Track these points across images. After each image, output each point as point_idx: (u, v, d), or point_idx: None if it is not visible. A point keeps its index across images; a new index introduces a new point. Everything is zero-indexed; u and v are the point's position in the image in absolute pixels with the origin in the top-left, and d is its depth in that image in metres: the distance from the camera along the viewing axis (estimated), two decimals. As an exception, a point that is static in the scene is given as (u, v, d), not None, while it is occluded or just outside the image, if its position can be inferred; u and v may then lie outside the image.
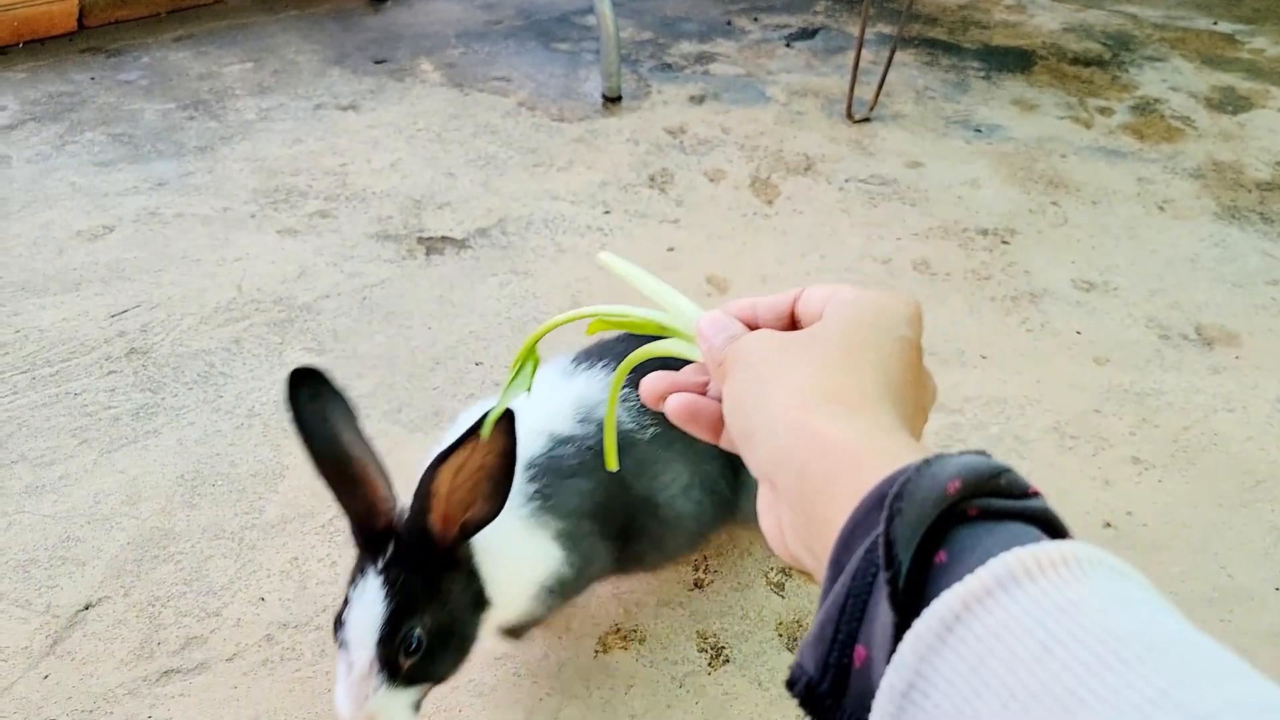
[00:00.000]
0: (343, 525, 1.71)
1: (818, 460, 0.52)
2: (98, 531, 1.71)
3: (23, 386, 2.00)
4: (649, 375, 0.73)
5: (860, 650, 0.44)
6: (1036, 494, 0.47)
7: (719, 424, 0.70)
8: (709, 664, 1.54)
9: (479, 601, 1.26)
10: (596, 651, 1.56)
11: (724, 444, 0.70)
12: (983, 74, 3.44)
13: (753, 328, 0.68)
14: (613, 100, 3.10)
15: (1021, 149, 2.97)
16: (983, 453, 0.48)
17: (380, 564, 1.16)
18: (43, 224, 2.48)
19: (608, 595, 1.62)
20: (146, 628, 1.56)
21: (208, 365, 2.07)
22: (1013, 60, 3.55)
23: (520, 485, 1.31)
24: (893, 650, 0.41)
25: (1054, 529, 0.46)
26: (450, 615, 1.20)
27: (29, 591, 1.61)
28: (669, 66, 3.41)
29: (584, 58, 3.45)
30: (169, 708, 1.45)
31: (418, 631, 1.15)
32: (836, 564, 0.46)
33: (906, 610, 0.42)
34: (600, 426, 1.37)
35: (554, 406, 1.40)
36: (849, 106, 3.05)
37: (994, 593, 0.39)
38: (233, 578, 1.63)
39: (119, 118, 2.96)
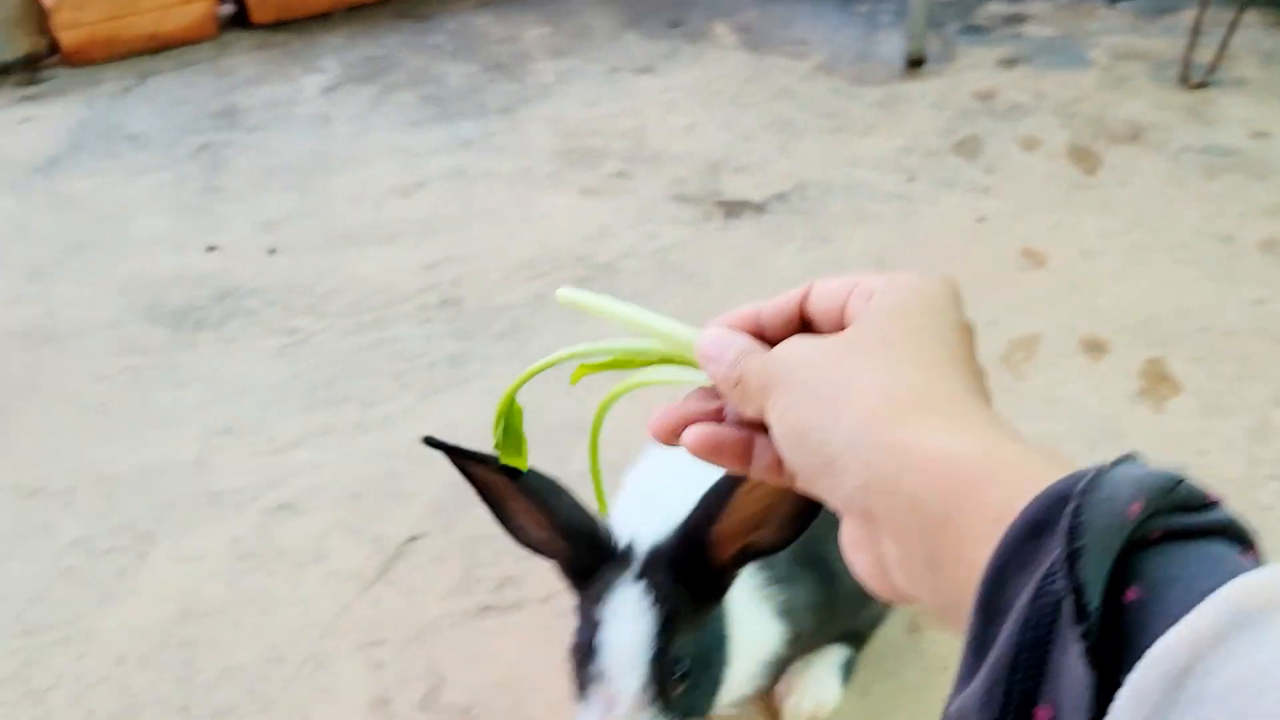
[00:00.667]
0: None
1: (932, 486, 0.45)
2: (419, 470, 1.79)
3: (349, 330, 2.13)
4: (656, 412, 0.64)
5: (1044, 712, 0.37)
6: (1216, 502, 0.40)
7: (746, 453, 0.62)
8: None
9: (726, 646, 1.10)
10: (909, 630, 1.49)
11: (760, 475, 0.61)
12: (1333, 33, 3.07)
13: (761, 338, 0.62)
14: (916, 63, 2.97)
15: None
16: (1133, 456, 0.41)
17: (635, 575, 1.02)
18: (362, 180, 2.64)
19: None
20: (466, 564, 1.61)
21: (514, 319, 2.13)
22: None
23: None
24: (1098, 713, 0.35)
25: (1243, 542, 0.39)
26: (708, 638, 1.06)
27: (360, 521, 1.70)
28: (976, 28, 3.23)
29: (881, 20, 3.32)
30: (488, 642, 1.50)
31: (687, 644, 1.01)
32: (987, 607, 0.40)
33: (1101, 662, 0.35)
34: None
35: None
36: (1184, 70, 2.78)
37: (1228, 637, 0.33)
38: (544, 523, 1.67)
39: (427, 80, 3.11)
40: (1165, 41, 3.03)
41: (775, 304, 0.63)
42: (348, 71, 3.19)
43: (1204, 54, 2.82)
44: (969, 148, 2.59)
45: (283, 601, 1.58)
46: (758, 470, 0.62)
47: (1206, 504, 0.39)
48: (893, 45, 3.11)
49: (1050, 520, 0.39)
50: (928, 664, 1.43)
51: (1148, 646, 0.34)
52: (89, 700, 1.46)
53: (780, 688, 1.38)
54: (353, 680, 1.46)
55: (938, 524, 0.45)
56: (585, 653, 1.01)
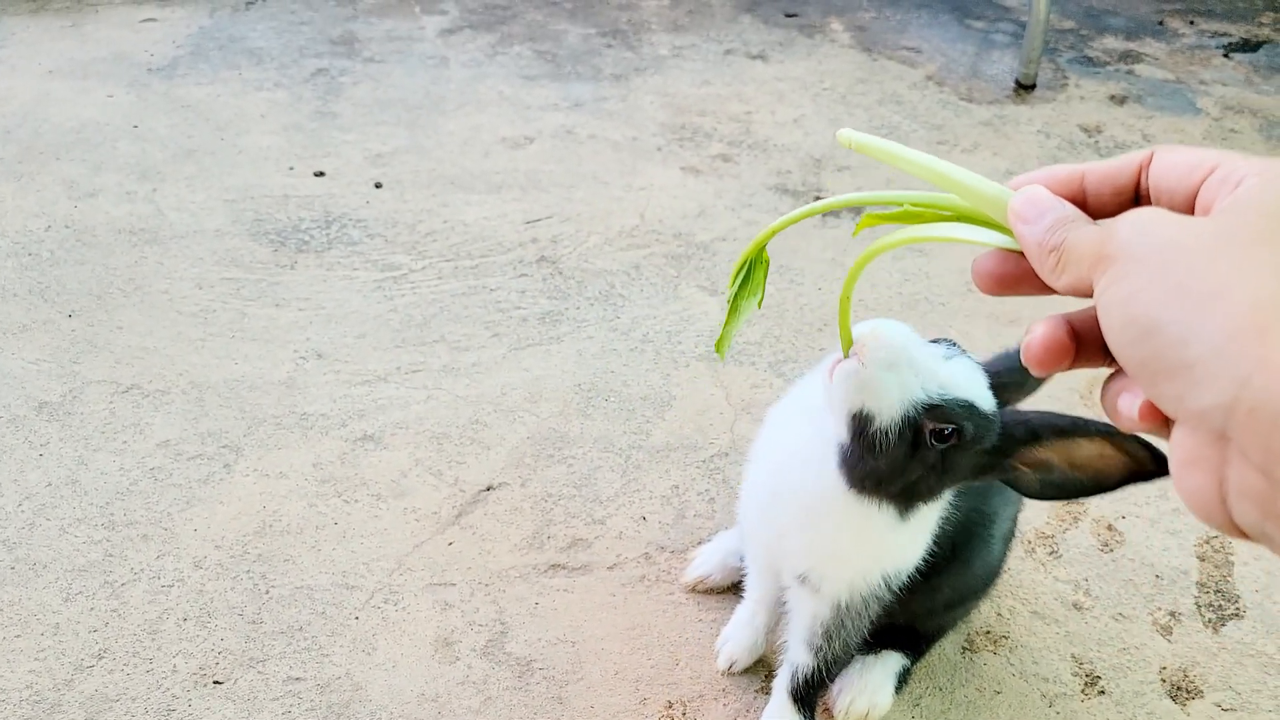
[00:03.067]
0: (722, 465, 1.75)
1: None
2: (502, 421, 1.83)
3: (447, 274, 2.17)
4: (979, 259, 0.59)
5: None
6: None
7: (1096, 348, 0.55)
8: (1082, 690, 1.46)
9: (915, 506, 1.11)
10: (964, 649, 1.51)
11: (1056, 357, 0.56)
12: None
13: (1081, 206, 0.56)
14: (1026, 87, 2.94)
15: None
16: None
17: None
18: (473, 126, 2.67)
19: (982, 598, 1.56)
20: (539, 520, 1.65)
21: (608, 285, 2.16)
22: None
23: None
24: None
25: None
26: (944, 472, 1.05)
27: (441, 463, 1.75)
28: (1089, 60, 3.19)
29: (997, 38, 3.29)
30: (554, 599, 1.54)
31: (967, 436, 1.00)
32: None
33: None
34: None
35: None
36: (1302, 130, 2.74)
37: None
38: (618, 491, 1.70)
39: (545, 35, 3.13)
40: (1278, 100, 2.99)
41: (1105, 167, 0.56)
42: (468, 16, 3.21)
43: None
44: (1079, 179, 2.57)
45: (359, 531, 1.63)
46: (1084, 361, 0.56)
47: None
48: (1005, 65, 3.08)
49: None
50: (981, 684, 1.45)
51: None
52: (164, 599, 1.52)
53: (834, 689, 1.41)
54: (420, 617, 1.51)
55: None
56: (952, 344, 1.04)
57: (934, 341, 1.03)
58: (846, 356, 0.73)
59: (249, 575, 1.55)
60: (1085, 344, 0.56)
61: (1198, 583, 1.60)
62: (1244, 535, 0.45)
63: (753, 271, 0.74)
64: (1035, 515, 1.69)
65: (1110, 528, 1.68)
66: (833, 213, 2.38)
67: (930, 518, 1.16)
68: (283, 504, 1.67)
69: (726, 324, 0.77)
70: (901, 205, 0.61)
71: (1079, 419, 1.00)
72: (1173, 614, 1.56)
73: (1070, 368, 0.58)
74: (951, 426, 0.99)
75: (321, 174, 2.46)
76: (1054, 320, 0.57)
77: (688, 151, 2.61)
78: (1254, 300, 0.43)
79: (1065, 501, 1.72)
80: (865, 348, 0.96)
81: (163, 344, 1.97)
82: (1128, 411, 0.52)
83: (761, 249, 0.72)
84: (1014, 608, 1.56)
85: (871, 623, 1.24)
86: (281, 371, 1.92)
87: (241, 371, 1.91)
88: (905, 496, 1.08)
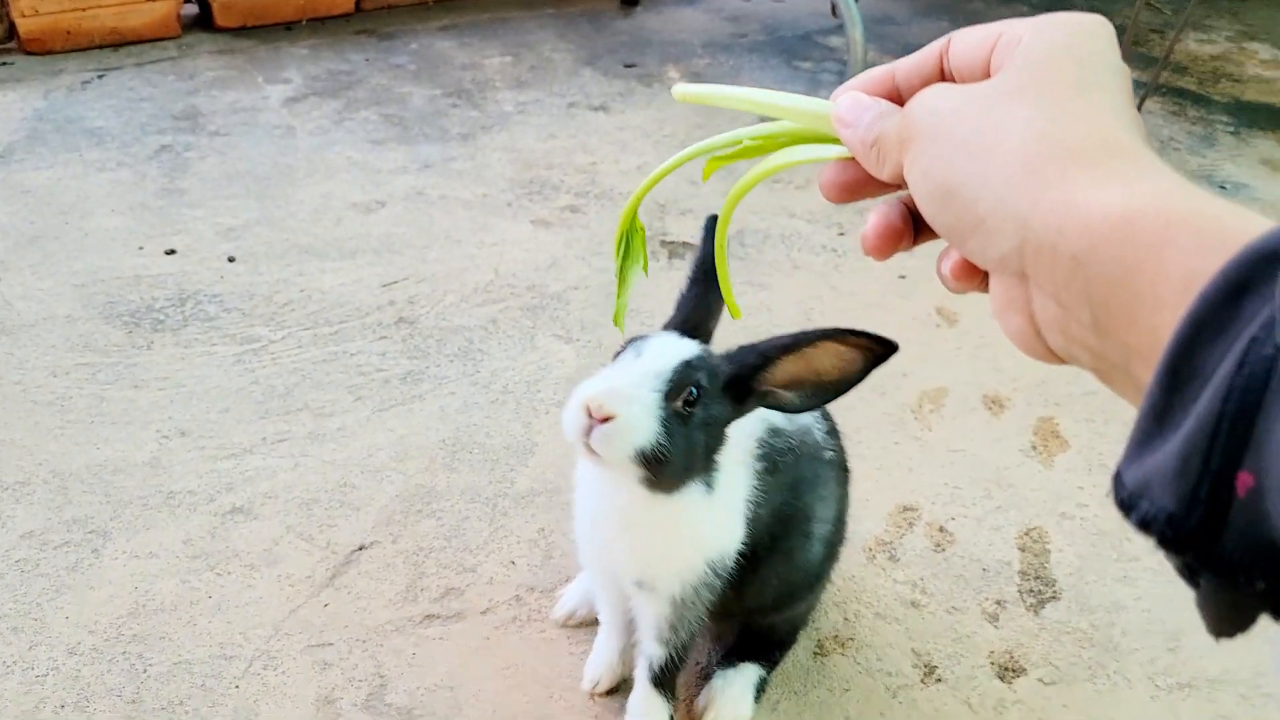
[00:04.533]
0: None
1: (1100, 247, 0.42)
2: (370, 481, 1.89)
3: (306, 342, 2.22)
4: (823, 174, 0.65)
5: (1246, 477, 0.35)
6: None
7: (907, 229, 0.59)
8: (921, 680, 1.60)
9: (712, 465, 1.25)
10: (815, 654, 1.64)
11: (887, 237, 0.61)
12: (1231, 129, 3.34)
13: (896, 101, 0.59)
14: (851, 122, 3.15)
15: (1267, 211, 2.87)
16: None
17: (699, 342, 1.23)
18: (324, 193, 2.73)
19: (829, 603, 1.69)
20: (412, 574, 1.72)
21: (467, 341, 2.24)
22: (1264, 117, 3.43)
23: (751, 459, 1.33)
24: None
25: None
26: (709, 430, 1.20)
27: (312, 528, 1.80)
28: (908, 93, 3.43)
29: (824, 78, 3.52)
30: (431, 648, 1.61)
31: (706, 391, 1.17)
32: (1173, 373, 0.38)
33: None
34: (800, 429, 1.41)
35: None
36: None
37: None
38: (487, 539, 1.79)
39: (390, 99, 3.21)
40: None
41: (911, 60, 0.59)
42: (311, 84, 3.27)
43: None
44: (899, 208, 2.77)
45: (234, 602, 1.67)
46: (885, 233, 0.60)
47: None
48: (835, 102, 3.29)
49: (1252, 281, 0.36)
50: (831, 684, 1.58)
51: None
52: (40, 689, 1.53)
53: (699, 702, 1.52)
54: (301, 679, 1.56)
55: (1107, 288, 0.42)
56: (632, 341, 1.20)
57: (621, 350, 1.20)
58: (733, 312, 0.82)
59: (125, 656, 1.58)
60: (922, 224, 0.60)
61: (1019, 572, 1.77)
62: (1062, 360, 0.49)
63: (631, 242, 0.78)
64: (874, 524, 1.84)
65: (941, 529, 1.84)
66: (678, 256, 2.52)
67: (736, 500, 1.31)
68: (155, 583, 1.69)
69: (618, 296, 0.82)
70: (739, 142, 0.66)
71: (801, 332, 1.15)
72: (999, 602, 1.72)
73: (911, 248, 0.62)
74: (689, 388, 1.15)
75: (172, 252, 2.48)
76: (885, 206, 0.62)
77: (537, 205, 2.72)
78: (1022, 144, 0.46)
79: (899, 510, 1.87)
80: (593, 411, 1.12)
81: (19, 435, 1.97)
82: (945, 273, 0.57)
83: (633, 219, 0.76)
84: (859, 611, 1.70)
85: (709, 609, 1.36)
86: (145, 452, 1.94)
87: (104, 456, 1.93)
88: (705, 462, 1.23)
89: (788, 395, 1.19)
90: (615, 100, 3.27)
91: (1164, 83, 3.61)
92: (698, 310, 1.27)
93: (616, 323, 0.86)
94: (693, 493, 1.24)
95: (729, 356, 1.21)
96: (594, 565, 1.47)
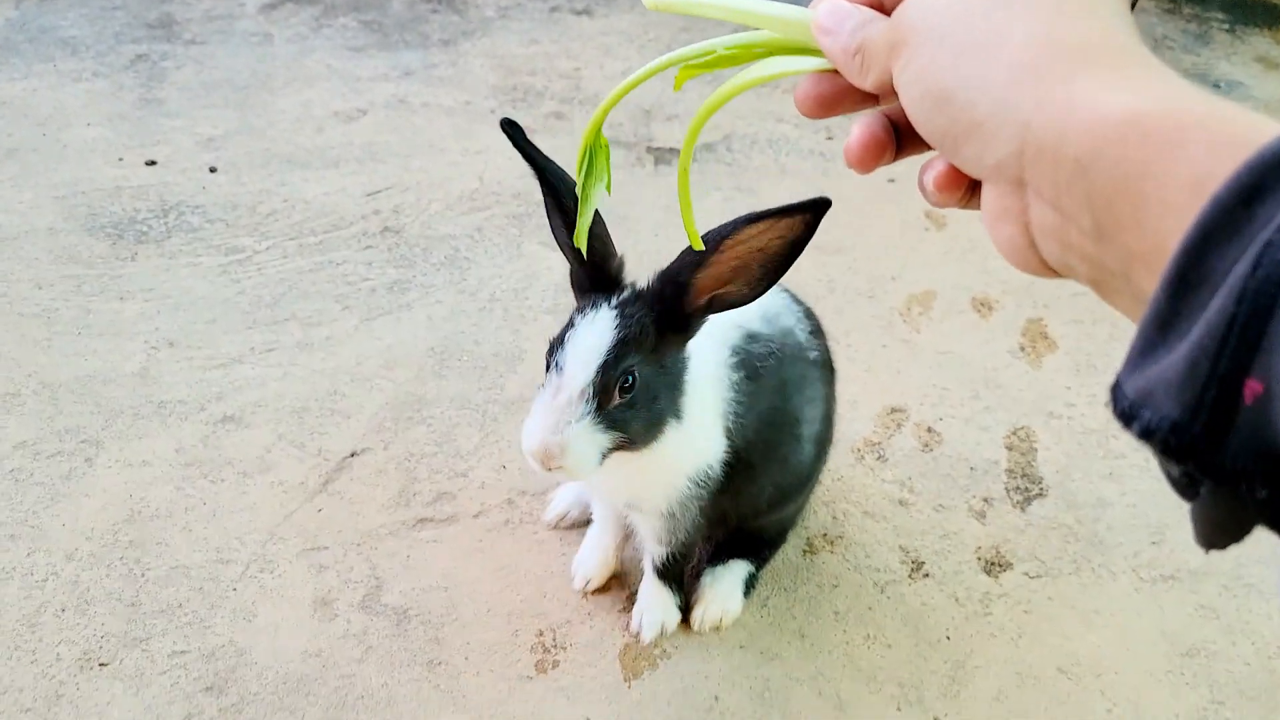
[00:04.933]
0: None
1: (1105, 149, 0.41)
2: (359, 389, 1.89)
3: (291, 252, 2.21)
4: (799, 87, 0.62)
5: (1254, 384, 0.35)
6: None
7: (915, 135, 0.56)
8: (909, 575, 1.63)
9: (677, 397, 1.23)
10: (804, 551, 1.66)
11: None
12: (1227, 26, 3.29)
13: (879, 8, 0.57)
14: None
15: (1261, 109, 2.84)
16: None
17: (615, 300, 1.16)
18: (304, 102, 2.68)
19: (818, 502, 1.72)
20: (404, 479, 1.74)
21: (453, 249, 2.23)
22: (1261, 14, 3.38)
23: (725, 370, 1.32)
24: None
25: None
26: (662, 377, 1.19)
27: (303, 435, 1.81)
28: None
29: (812, -21, 3.44)
30: (425, 551, 1.63)
31: (637, 369, 1.14)
32: (1180, 279, 0.37)
33: None
34: (782, 331, 1.40)
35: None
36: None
37: None
38: (478, 444, 1.80)
39: (369, 5, 3.14)
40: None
41: None
42: (287, -10, 3.19)
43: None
44: (888, 111, 2.74)
45: (229, 508, 1.68)
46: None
47: None
48: (824, 4, 3.23)
49: (1266, 185, 0.35)
50: (821, 580, 1.61)
51: None
52: (40, 594, 1.55)
53: (693, 600, 1.55)
54: (297, 581, 1.58)
55: (1111, 191, 0.41)
56: (554, 348, 1.16)
57: (547, 363, 1.18)
58: (694, 241, 0.78)
59: (122, 562, 1.60)
60: (906, 135, 0.59)
61: (1006, 470, 1.79)
62: (1055, 273, 0.49)
63: (595, 159, 0.75)
64: (863, 425, 1.86)
65: (930, 430, 1.86)
66: (664, 162, 2.49)
67: (709, 418, 1.30)
68: (149, 491, 1.70)
69: (580, 215, 0.79)
70: (713, 52, 0.63)
71: (723, 226, 1.07)
72: (986, 500, 1.74)
73: (895, 160, 0.61)
74: (619, 380, 1.14)
75: (153, 163, 2.45)
76: (869, 117, 0.60)
77: (520, 112, 2.68)
78: (1025, 45, 0.45)
79: (887, 411, 1.89)
80: (540, 466, 1.15)
81: (7, 347, 1.96)
82: (927, 185, 0.56)
83: (598, 134, 0.73)
84: (847, 510, 1.73)
85: (702, 511, 1.38)
86: (134, 363, 1.94)
87: (92, 367, 1.92)
88: (670, 408, 1.22)
89: (733, 291, 1.14)
90: (599, 4, 3.21)
91: (1158, -18, 3.55)
92: (592, 250, 1.17)
93: (578, 242, 0.85)
94: (664, 432, 1.24)
95: (648, 296, 1.16)
96: (583, 486, 1.49)
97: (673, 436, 1.25)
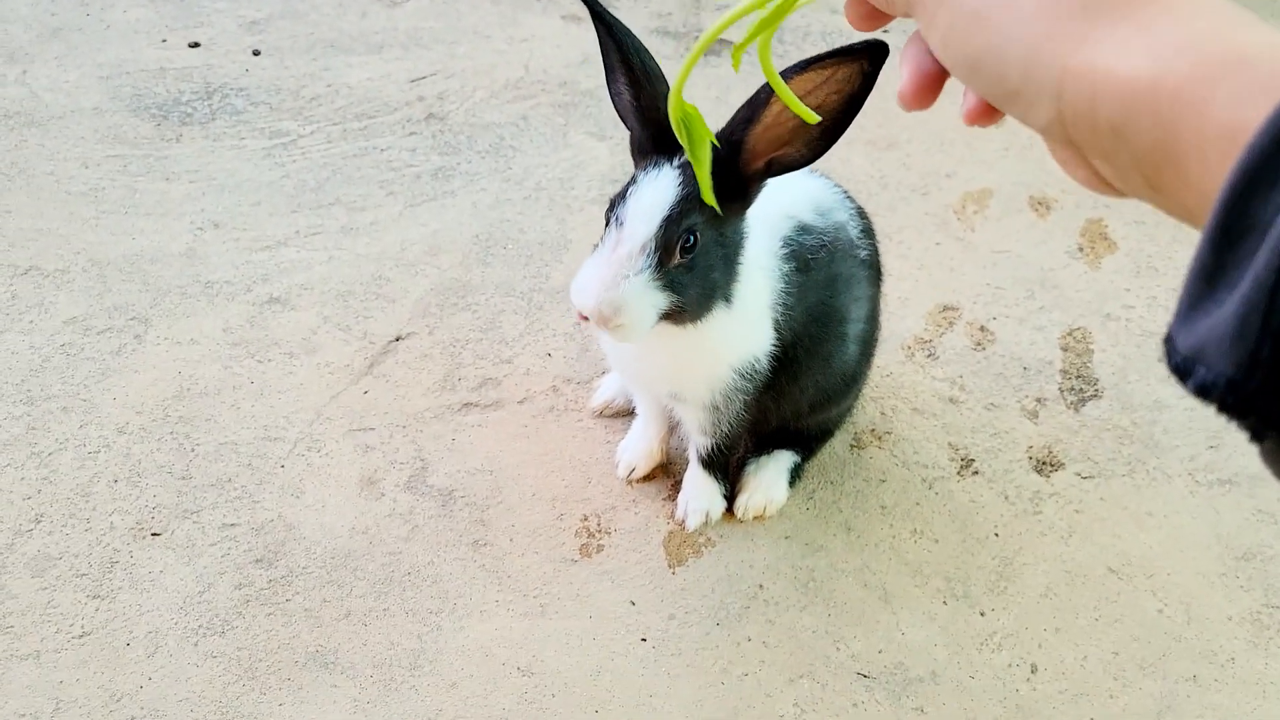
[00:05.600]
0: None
1: (1135, 114, 0.40)
2: (404, 275, 1.88)
3: (335, 137, 2.17)
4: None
5: None
6: None
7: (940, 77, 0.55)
8: (958, 472, 1.61)
9: (732, 276, 1.21)
10: (852, 446, 1.65)
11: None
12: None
13: None
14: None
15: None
16: None
17: (678, 160, 1.12)
18: (348, -15, 2.62)
19: (866, 398, 1.69)
20: (449, 364, 1.73)
21: (498, 137, 2.19)
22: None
23: (776, 260, 1.29)
24: None
25: None
26: (720, 247, 1.17)
27: (349, 318, 1.80)
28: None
29: None
30: (470, 435, 1.63)
31: (699, 229, 1.12)
32: (1224, 231, 0.36)
33: None
34: (835, 226, 1.37)
35: (796, 195, 1.36)
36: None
37: None
38: (523, 332, 1.78)
39: (414, -112, 3.04)
40: None
41: None
42: None
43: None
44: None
45: (276, 388, 1.69)
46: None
47: None
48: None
49: None
50: (868, 475, 1.60)
51: None
52: (93, 464, 1.57)
53: (737, 494, 1.54)
54: (344, 460, 1.59)
55: (1150, 151, 0.40)
56: (615, 204, 1.14)
57: (607, 218, 1.14)
58: (794, 106, 0.76)
59: (173, 436, 1.61)
60: None
61: (1061, 370, 1.76)
62: (1140, 198, 0.48)
63: (690, 128, 0.77)
64: (914, 323, 1.82)
65: (983, 329, 1.82)
66: (713, 52, 2.42)
67: (759, 306, 1.27)
68: (198, 368, 1.71)
69: (700, 178, 0.85)
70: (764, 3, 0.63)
71: (760, 89, 1.03)
72: (1039, 400, 1.71)
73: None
74: (681, 239, 1.11)
75: (196, 44, 2.41)
76: (914, 53, 0.58)
77: (559, 4, 2.60)
78: (1038, 6, 0.44)
79: (939, 309, 1.85)
80: (593, 323, 1.11)
81: (55, 224, 1.96)
82: (964, 113, 0.57)
83: (681, 105, 0.74)
84: (895, 406, 1.70)
85: (746, 407, 1.36)
86: (180, 243, 1.93)
87: (140, 246, 1.92)
88: (725, 282, 1.20)
89: (791, 152, 1.09)
90: (651, -111, 3.09)
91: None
92: (656, 112, 1.13)
93: (706, 199, 0.94)
94: (713, 312, 1.22)
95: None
96: (626, 377, 1.47)
97: (721, 320, 1.23)
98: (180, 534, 1.47)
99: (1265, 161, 0.34)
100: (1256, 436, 0.37)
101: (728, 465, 1.52)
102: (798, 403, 1.45)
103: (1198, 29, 0.40)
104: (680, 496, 1.53)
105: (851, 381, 1.51)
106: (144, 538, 1.46)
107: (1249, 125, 0.35)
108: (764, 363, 1.32)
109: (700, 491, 1.51)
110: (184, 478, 1.55)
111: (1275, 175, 0.34)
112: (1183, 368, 0.38)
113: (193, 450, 1.59)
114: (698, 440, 1.46)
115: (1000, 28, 0.45)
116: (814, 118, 0.79)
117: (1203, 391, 0.37)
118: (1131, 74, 0.40)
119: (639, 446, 1.57)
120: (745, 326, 1.27)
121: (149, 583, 1.41)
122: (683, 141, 0.77)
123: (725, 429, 1.40)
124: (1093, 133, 0.43)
